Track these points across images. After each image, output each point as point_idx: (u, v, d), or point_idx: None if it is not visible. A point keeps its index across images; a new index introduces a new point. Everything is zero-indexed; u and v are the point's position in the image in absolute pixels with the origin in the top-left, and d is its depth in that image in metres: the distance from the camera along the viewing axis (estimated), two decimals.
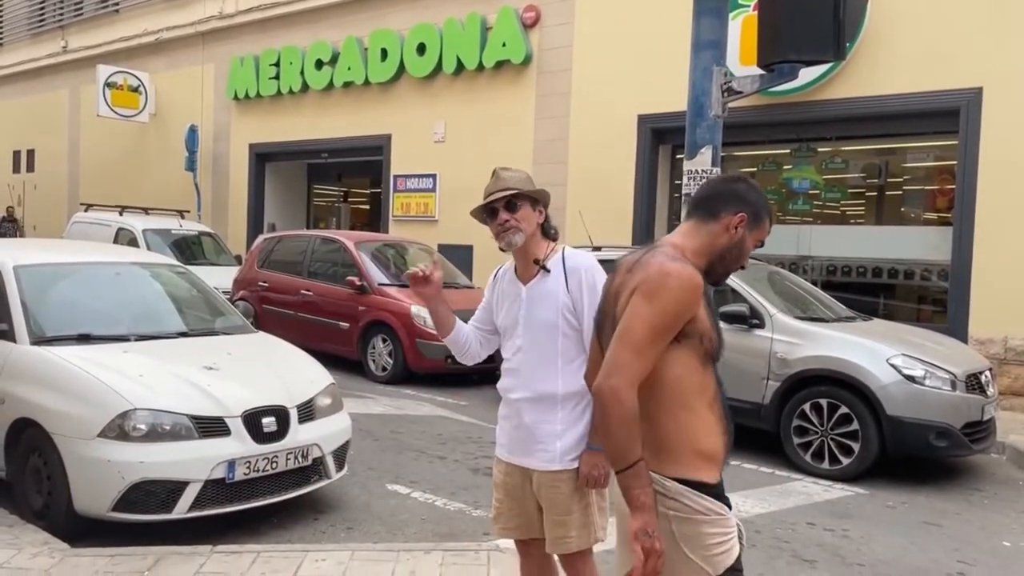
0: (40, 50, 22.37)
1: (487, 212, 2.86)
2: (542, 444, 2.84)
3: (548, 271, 2.84)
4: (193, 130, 17.40)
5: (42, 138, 22.49)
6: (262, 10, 16.57)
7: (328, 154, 16.32)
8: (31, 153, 23.15)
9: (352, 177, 18.51)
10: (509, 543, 4.28)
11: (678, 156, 11.70)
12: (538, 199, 2.88)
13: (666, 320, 1.96)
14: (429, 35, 13.78)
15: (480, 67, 13.29)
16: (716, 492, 2.06)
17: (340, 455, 5.20)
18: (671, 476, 2.04)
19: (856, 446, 6.41)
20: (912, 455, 6.57)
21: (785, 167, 11.51)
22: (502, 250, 2.91)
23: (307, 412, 4.99)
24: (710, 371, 2.06)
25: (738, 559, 2.09)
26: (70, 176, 21.56)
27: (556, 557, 3.00)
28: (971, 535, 5.28)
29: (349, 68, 14.95)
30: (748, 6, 9.99)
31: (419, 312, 9.48)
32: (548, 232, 2.91)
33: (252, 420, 4.64)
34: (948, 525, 5.50)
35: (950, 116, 9.33)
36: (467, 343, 3.08)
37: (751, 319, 6.98)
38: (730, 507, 2.10)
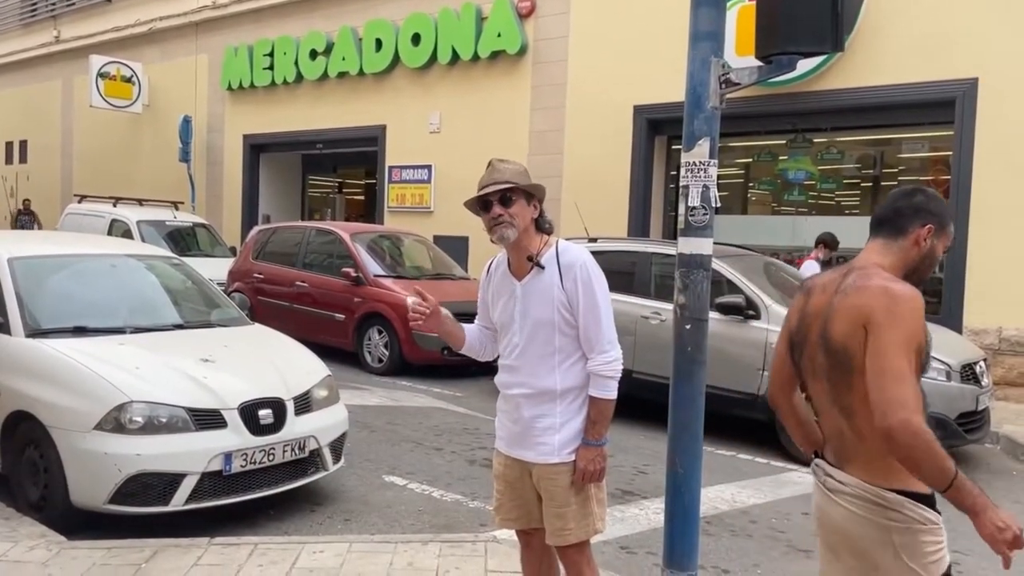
0: (32, 40, 22.23)
1: (480, 204, 2.82)
2: (540, 438, 2.85)
3: (543, 268, 2.82)
4: (187, 121, 17.31)
5: (35, 129, 22.37)
6: None
7: (323, 145, 16.27)
8: (24, 144, 23.04)
9: (347, 168, 18.47)
10: (506, 534, 4.30)
11: (674, 147, 11.71)
12: (533, 194, 2.85)
13: (913, 342, 2.04)
14: (424, 25, 13.72)
15: (475, 57, 13.24)
16: (931, 502, 2.14)
17: (337, 447, 5.20)
18: (890, 488, 2.12)
19: None
20: None
21: (781, 158, 11.52)
22: (494, 243, 2.90)
23: (304, 404, 4.98)
24: (919, 383, 2.13)
25: (949, 567, 2.17)
26: (63, 167, 21.47)
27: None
28: (965, 525, 5.25)
29: (343, 58, 14.89)
30: None
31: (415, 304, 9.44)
32: (542, 227, 2.88)
33: (249, 412, 4.63)
34: (942, 514, 5.51)
35: (946, 107, 9.33)
36: (482, 345, 3.10)
37: (747, 310, 6.99)
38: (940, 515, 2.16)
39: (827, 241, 9.20)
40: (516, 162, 2.90)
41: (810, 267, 8.84)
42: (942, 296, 9.53)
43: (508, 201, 2.78)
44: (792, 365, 2.37)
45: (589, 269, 2.80)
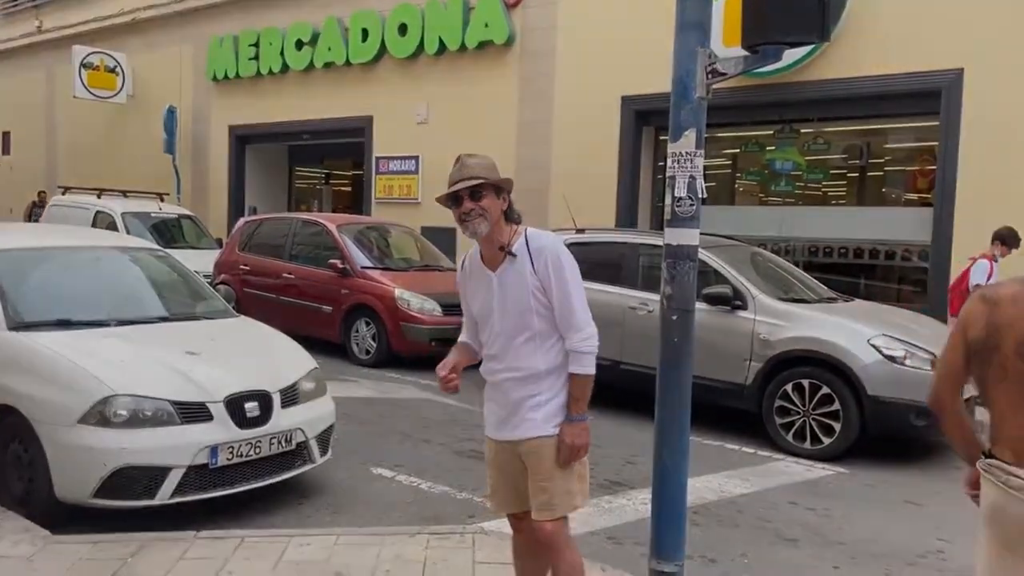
0: (14, 30, 21.98)
1: (452, 200, 2.92)
2: (527, 415, 2.94)
3: (515, 256, 2.90)
4: (172, 112, 17.17)
5: (18, 120, 22.16)
6: None
7: (309, 136, 16.18)
8: (7, 135, 22.82)
9: (334, 159, 18.36)
10: (494, 526, 4.32)
11: (661, 137, 11.70)
12: (502, 187, 2.93)
13: None
14: (411, 15, 13.64)
15: (463, 48, 13.18)
16: None
17: (324, 439, 5.18)
18: None
19: (837, 426, 6.46)
20: (893, 435, 6.63)
21: (768, 148, 11.53)
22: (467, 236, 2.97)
23: (290, 397, 4.96)
24: None
25: None
26: (47, 159, 21.27)
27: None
28: (950, 513, 5.33)
29: (330, 49, 14.80)
30: None
31: (403, 295, 9.44)
32: (511, 217, 2.97)
33: (235, 405, 4.61)
34: (928, 504, 5.56)
35: (931, 97, 9.36)
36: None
37: (734, 300, 7.01)
38: None
39: (1006, 237, 7.94)
40: (485, 156, 2.99)
41: (982, 268, 7.83)
42: (927, 286, 9.59)
43: (478, 195, 2.87)
44: (965, 372, 2.45)
45: (559, 252, 2.89)
